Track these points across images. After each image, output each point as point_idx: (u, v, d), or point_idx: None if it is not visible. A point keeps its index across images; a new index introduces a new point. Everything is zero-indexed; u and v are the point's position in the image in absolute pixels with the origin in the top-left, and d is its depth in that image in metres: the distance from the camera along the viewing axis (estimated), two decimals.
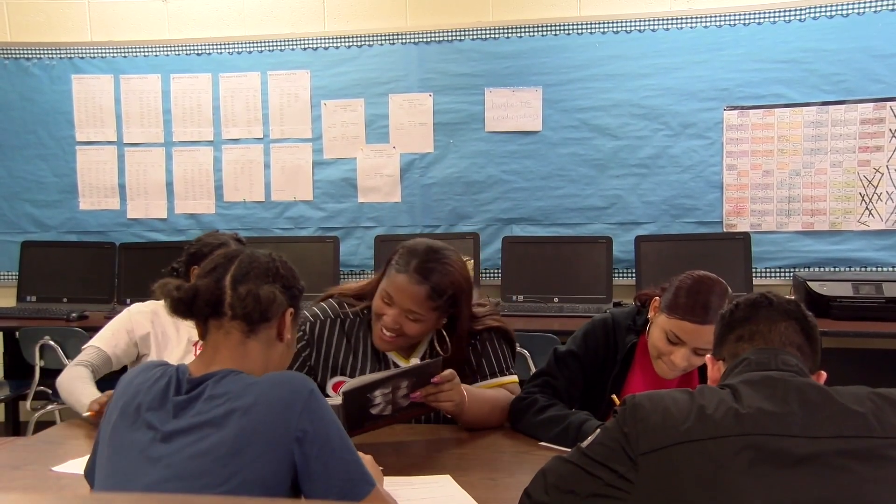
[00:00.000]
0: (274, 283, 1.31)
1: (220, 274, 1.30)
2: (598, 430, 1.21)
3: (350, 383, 1.65)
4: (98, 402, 1.89)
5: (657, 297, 1.84)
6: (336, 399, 1.74)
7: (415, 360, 1.89)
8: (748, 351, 1.26)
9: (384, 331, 1.78)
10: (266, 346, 1.31)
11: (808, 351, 1.26)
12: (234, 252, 1.34)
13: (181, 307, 1.29)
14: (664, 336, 1.77)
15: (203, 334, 1.32)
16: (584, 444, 1.20)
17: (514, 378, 1.95)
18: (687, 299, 1.74)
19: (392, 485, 1.44)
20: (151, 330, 2.25)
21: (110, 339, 2.22)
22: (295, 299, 1.36)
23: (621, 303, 3.34)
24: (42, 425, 2.21)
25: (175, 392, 1.24)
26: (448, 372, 1.70)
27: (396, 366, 1.86)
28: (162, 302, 1.89)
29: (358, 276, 3.84)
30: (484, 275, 3.75)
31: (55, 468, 1.62)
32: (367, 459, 1.44)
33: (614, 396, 1.83)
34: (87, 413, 1.90)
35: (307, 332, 1.88)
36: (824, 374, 1.29)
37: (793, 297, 1.33)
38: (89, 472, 1.34)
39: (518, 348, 2.96)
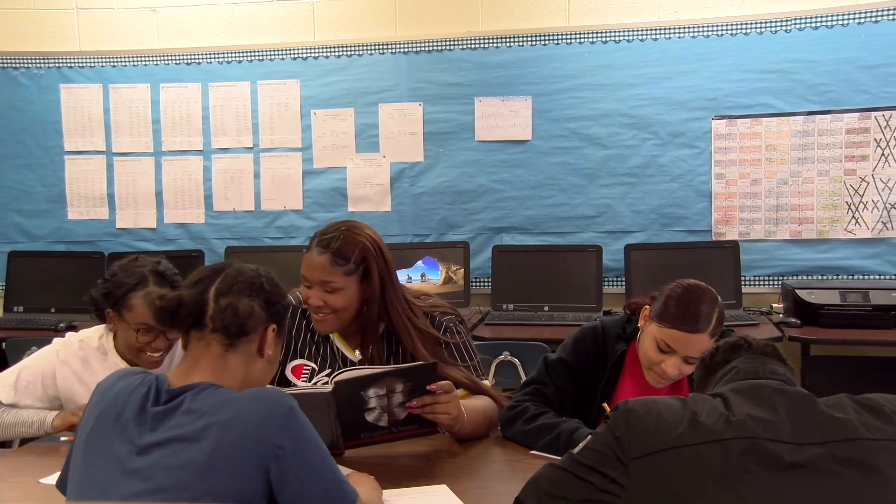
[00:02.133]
0: (256, 297, 1.31)
1: (204, 286, 1.31)
2: (590, 436, 1.22)
3: (341, 374, 1.65)
4: (72, 418, 1.89)
5: (647, 306, 1.85)
6: (297, 385, 1.80)
7: (361, 354, 1.92)
8: (737, 360, 1.27)
9: (314, 313, 1.86)
10: (246, 360, 1.31)
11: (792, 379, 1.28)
12: (222, 265, 1.36)
13: (163, 316, 1.30)
14: (655, 345, 1.78)
15: (185, 345, 1.32)
16: (576, 450, 1.20)
17: (487, 382, 1.96)
18: (677, 308, 1.75)
19: (389, 497, 1.43)
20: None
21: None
22: (278, 315, 1.36)
23: (611, 311, 3.35)
24: (28, 438, 2.18)
25: (153, 402, 1.23)
26: (445, 383, 1.70)
27: (344, 356, 1.91)
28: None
29: None
30: (474, 284, 3.75)
31: (42, 480, 1.61)
32: (365, 479, 1.43)
33: (605, 405, 1.84)
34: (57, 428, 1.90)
35: None
36: None
37: (770, 341, 1.36)
38: (61, 483, 1.33)
39: (508, 357, 3.00)
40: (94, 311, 2.04)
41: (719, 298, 1.80)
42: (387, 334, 1.92)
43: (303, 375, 1.92)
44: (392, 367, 1.76)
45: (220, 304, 1.28)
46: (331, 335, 1.94)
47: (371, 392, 1.64)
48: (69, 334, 2.10)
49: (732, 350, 1.32)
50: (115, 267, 2.02)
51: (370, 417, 1.66)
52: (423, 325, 1.90)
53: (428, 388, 1.67)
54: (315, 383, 1.90)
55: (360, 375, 1.64)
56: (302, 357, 1.93)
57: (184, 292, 1.31)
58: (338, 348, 1.94)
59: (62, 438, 1.94)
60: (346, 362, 1.92)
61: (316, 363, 1.93)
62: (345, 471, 1.30)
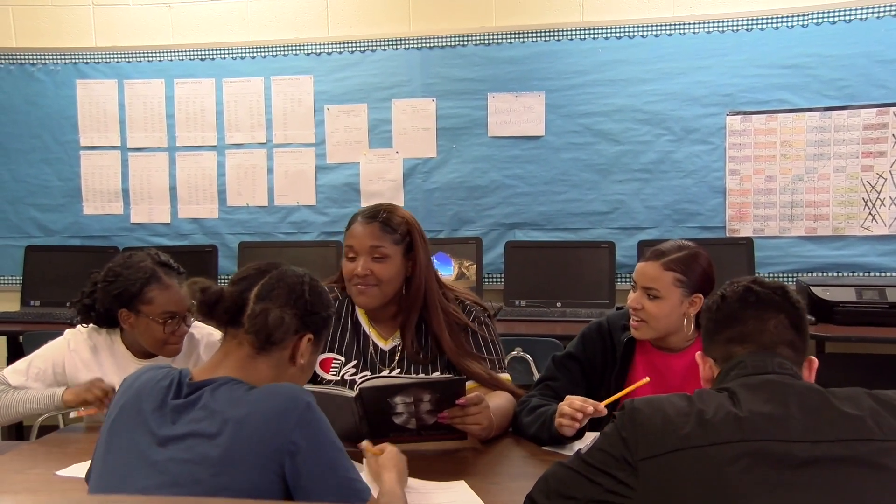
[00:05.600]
0: (292, 306, 1.30)
1: (247, 285, 1.31)
2: (598, 436, 1.21)
3: (367, 382, 1.65)
4: (85, 394, 1.90)
5: None
6: (325, 379, 1.83)
7: (393, 342, 1.91)
8: (742, 353, 1.25)
9: (358, 285, 1.86)
10: (276, 366, 1.31)
11: (799, 344, 1.27)
12: (269, 265, 1.35)
13: (203, 308, 1.31)
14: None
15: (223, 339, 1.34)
16: (584, 450, 1.20)
17: (507, 376, 1.96)
18: (654, 247, 1.92)
19: (409, 489, 1.43)
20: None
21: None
22: (316, 325, 1.35)
23: (623, 307, 3.33)
24: (45, 430, 2.20)
25: (174, 395, 1.24)
26: (475, 395, 1.69)
27: (375, 344, 1.91)
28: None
29: None
30: (487, 279, 3.75)
31: (59, 472, 1.62)
32: (392, 461, 1.42)
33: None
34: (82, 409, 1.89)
35: None
36: (815, 361, 1.29)
37: (779, 282, 1.32)
38: (88, 476, 1.35)
39: (520, 353, 2.99)
40: (97, 317, 2.05)
41: (707, 260, 1.92)
42: (420, 324, 1.92)
43: (332, 369, 1.91)
44: (419, 378, 1.77)
45: (256, 307, 1.29)
46: (362, 324, 1.93)
47: (398, 399, 1.63)
48: (80, 325, 2.13)
49: (740, 304, 1.28)
50: (115, 268, 2.02)
51: (398, 421, 1.66)
52: (452, 308, 1.93)
53: (457, 402, 1.66)
54: (342, 376, 1.90)
55: (386, 385, 1.64)
56: (332, 350, 1.92)
57: (226, 288, 1.32)
58: (369, 337, 1.93)
59: (72, 415, 1.95)
60: (376, 352, 1.91)
61: (342, 353, 1.92)
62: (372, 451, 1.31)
